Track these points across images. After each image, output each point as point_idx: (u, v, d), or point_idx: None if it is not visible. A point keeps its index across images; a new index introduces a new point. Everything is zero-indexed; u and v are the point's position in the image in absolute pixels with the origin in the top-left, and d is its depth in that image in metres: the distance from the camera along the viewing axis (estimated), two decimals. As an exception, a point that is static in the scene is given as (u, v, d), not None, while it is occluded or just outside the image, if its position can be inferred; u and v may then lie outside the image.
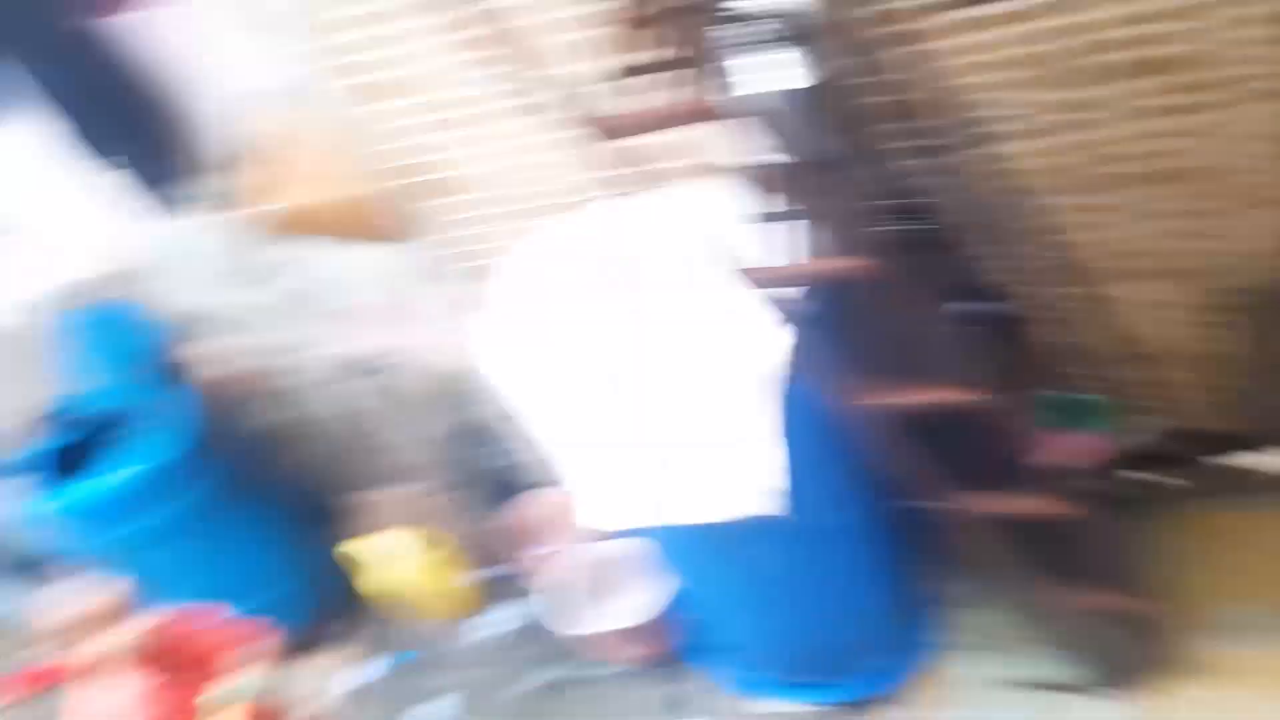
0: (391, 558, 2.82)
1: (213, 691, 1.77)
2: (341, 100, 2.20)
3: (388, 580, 2.85)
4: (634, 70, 1.57)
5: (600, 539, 2.65)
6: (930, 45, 1.89)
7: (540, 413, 1.94)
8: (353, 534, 2.93)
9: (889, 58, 1.83)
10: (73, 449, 2.68)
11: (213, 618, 1.91)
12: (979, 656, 2.34)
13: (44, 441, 2.72)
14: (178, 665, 1.80)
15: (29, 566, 2.95)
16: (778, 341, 1.73)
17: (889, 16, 1.84)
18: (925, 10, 1.86)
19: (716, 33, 1.57)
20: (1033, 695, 2.23)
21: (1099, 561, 2.00)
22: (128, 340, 2.70)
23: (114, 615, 1.75)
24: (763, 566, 2.07)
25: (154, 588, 2.60)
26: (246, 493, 2.87)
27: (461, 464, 2.93)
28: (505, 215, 2.38)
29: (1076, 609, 2.04)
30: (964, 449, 1.88)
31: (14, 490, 2.65)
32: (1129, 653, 2.13)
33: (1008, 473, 1.88)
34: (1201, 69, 1.84)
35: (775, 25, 1.62)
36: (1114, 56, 1.86)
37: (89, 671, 1.74)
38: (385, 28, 2.06)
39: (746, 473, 1.82)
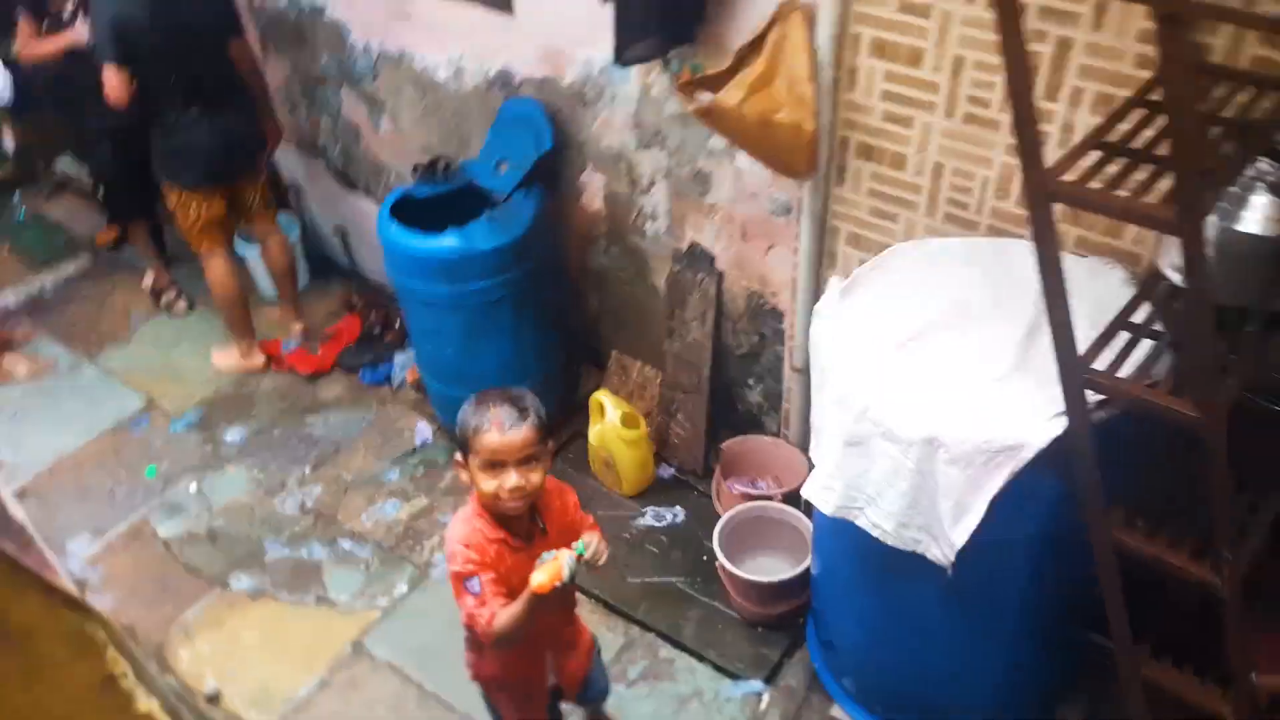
0: (604, 418, 3.15)
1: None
2: (843, 38, 2.35)
3: (597, 436, 3.19)
4: (1115, 146, 1.63)
5: (786, 504, 2.85)
6: None
7: (832, 383, 2.04)
8: (599, 386, 3.33)
9: None
10: (440, 200, 3.10)
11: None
12: None
13: (422, 186, 3.16)
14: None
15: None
16: (1051, 427, 1.76)
17: None
18: None
19: (1232, 154, 1.60)
20: None
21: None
22: (529, 137, 3.07)
23: None
24: (917, 606, 2.15)
25: (452, 346, 3.16)
26: (543, 303, 3.24)
27: (715, 379, 3.18)
28: (912, 205, 2.48)
29: None
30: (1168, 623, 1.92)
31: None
32: None
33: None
34: None
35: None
36: None
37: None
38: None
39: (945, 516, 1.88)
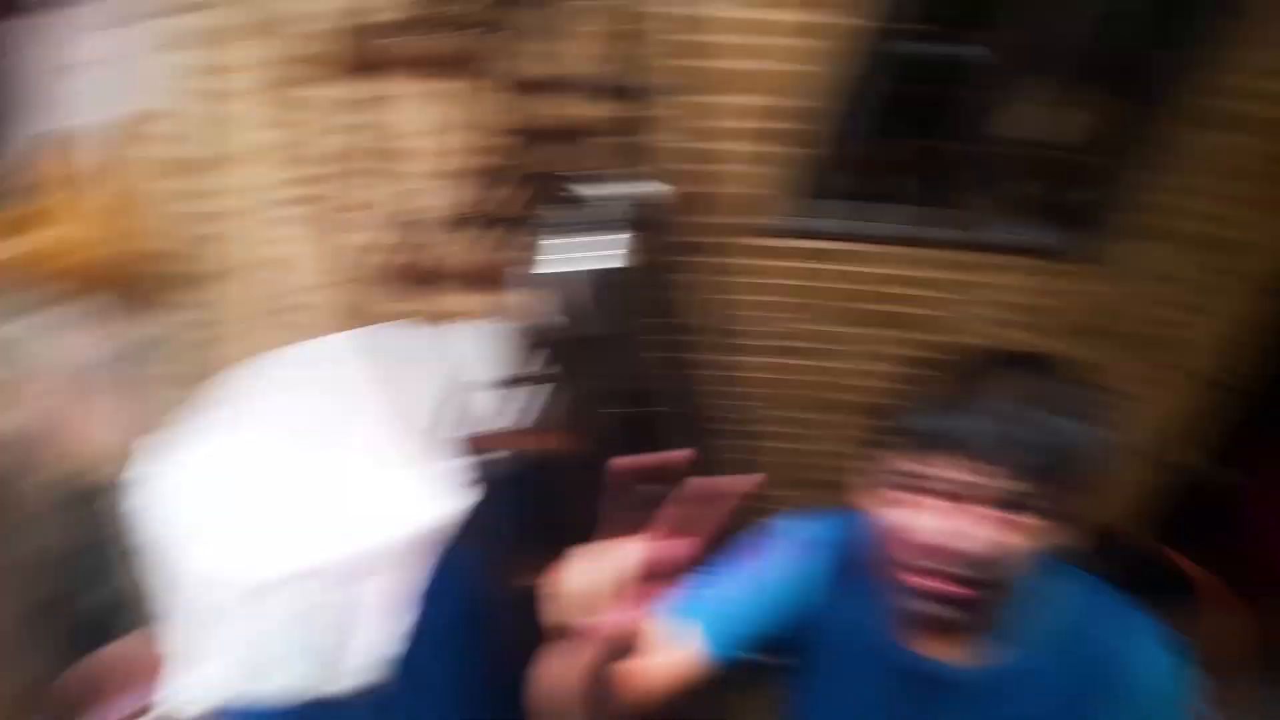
0: None
1: None
2: (143, 162, 2.02)
3: None
4: (455, 219, 1.64)
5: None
6: (722, 260, 2.08)
7: (185, 553, 1.69)
8: None
9: (680, 262, 1.98)
10: None
11: None
12: None
13: None
14: None
15: None
16: (451, 505, 1.68)
17: (694, 228, 2.01)
18: (726, 229, 2.05)
19: (544, 207, 1.67)
20: None
21: None
22: None
23: None
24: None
25: None
26: None
27: (55, 591, 2.47)
28: (238, 324, 2.24)
29: None
30: None
31: None
32: None
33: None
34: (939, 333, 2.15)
35: (593, 211, 1.73)
36: (868, 306, 2.16)
37: None
38: (218, 107, 1.95)
39: (365, 638, 1.68)
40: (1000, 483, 0.88)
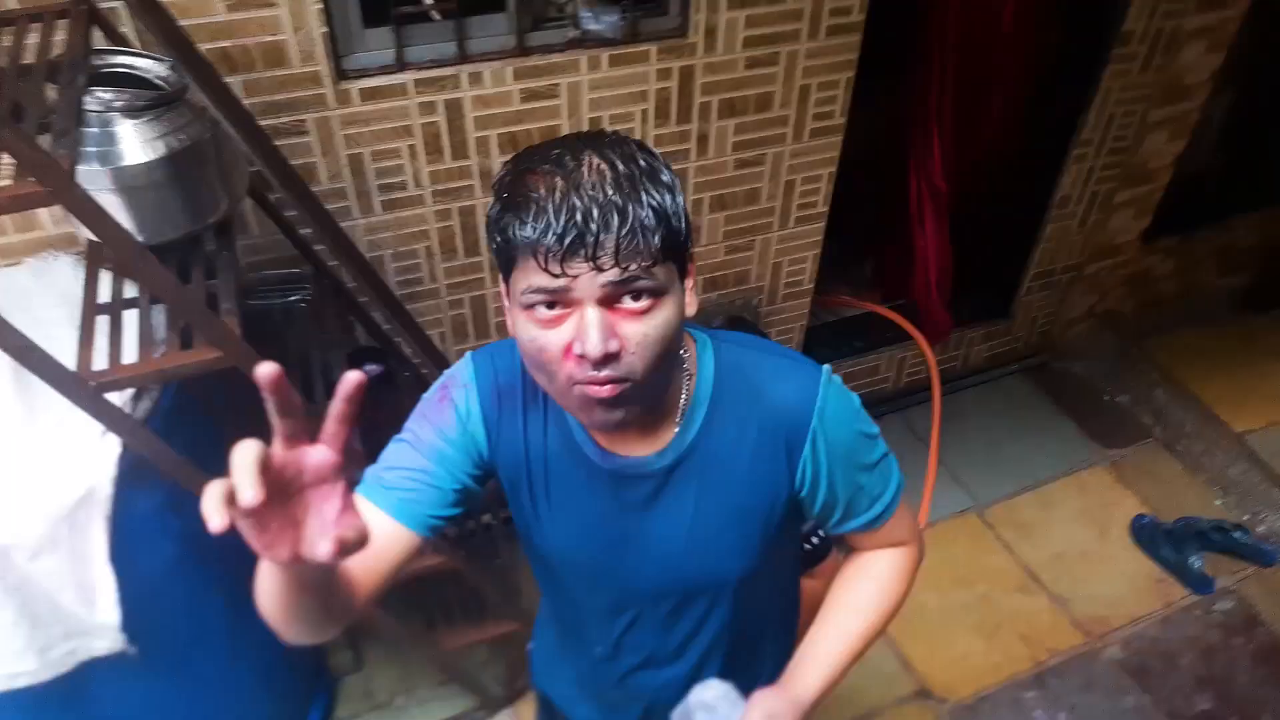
0: None
1: None
2: None
3: None
4: None
5: None
6: (320, 113, 1.95)
7: None
8: None
9: (274, 124, 1.84)
10: None
11: None
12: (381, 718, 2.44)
13: None
14: None
15: None
16: (107, 453, 1.54)
17: (275, 84, 1.86)
18: (312, 78, 1.90)
19: (61, 99, 1.43)
20: None
21: (473, 598, 2.26)
22: None
23: None
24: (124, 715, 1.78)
25: None
26: None
27: None
28: None
29: (457, 645, 2.28)
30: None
31: None
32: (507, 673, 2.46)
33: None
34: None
35: (130, 92, 1.55)
36: (488, 133, 2.10)
37: None
38: None
39: (75, 610, 1.53)
40: (604, 274, 0.85)
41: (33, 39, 1.55)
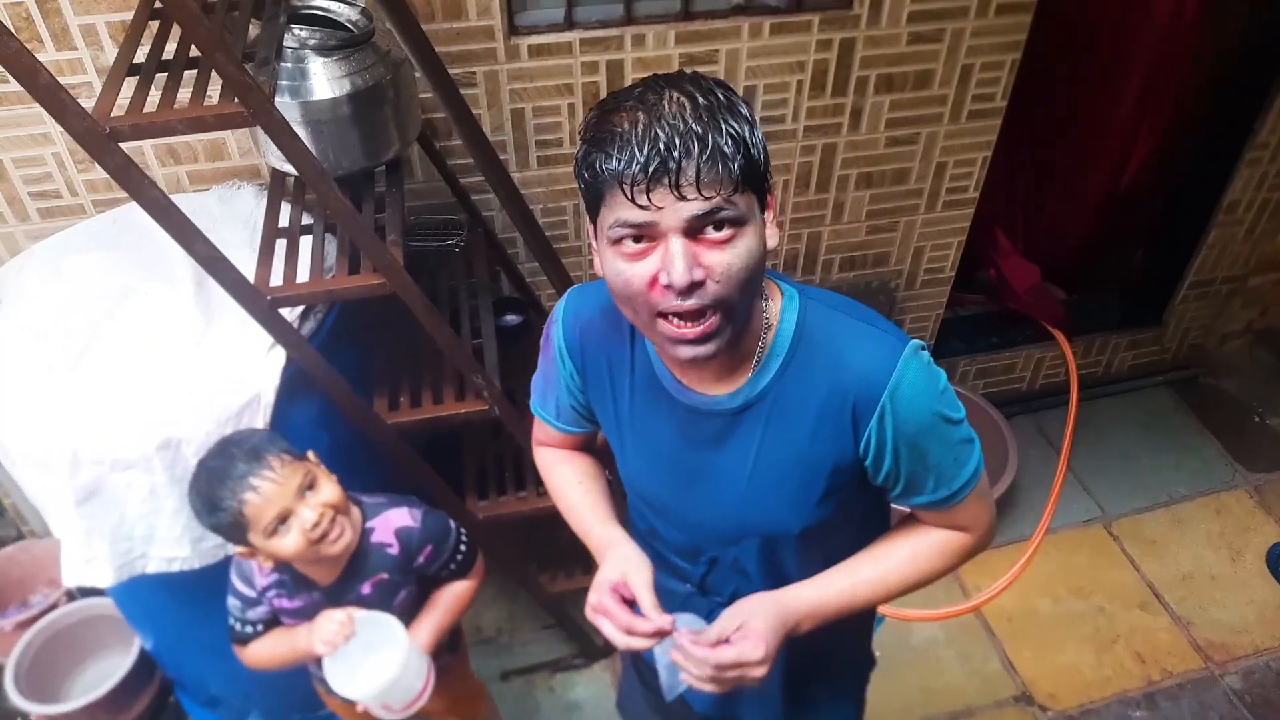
0: None
1: None
2: None
3: None
4: (151, 65, 1.47)
5: (78, 598, 2.38)
6: (490, 66, 2.02)
7: (19, 449, 1.64)
8: None
9: (449, 74, 1.88)
10: None
11: None
12: (486, 651, 2.53)
13: None
14: None
15: None
16: (274, 364, 1.66)
17: (451, 35, 1.95)
18: (486, 32, 1.97)
19: (263, 32, 1.55)
20: (530, 679, 2.49)
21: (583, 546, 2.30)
22: None
23: None
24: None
25: None
26: None
27: None
28: (4, 220, 2.06)
29: (559, 591, 2.34)
30: (481, 454, 2.16)
31: None
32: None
33: (518, 474, 2.13)
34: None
35: (323, 31, 1.64)
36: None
37: None
38: None
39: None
40: (687, 204, 0.88)
41: None
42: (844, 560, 1.18)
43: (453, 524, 1.71)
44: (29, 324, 1.74)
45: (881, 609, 2.53)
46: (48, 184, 1.98)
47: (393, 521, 1.63)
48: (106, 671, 2.26)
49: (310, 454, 1.55)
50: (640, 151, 0.86)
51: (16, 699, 2.18)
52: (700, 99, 0.88)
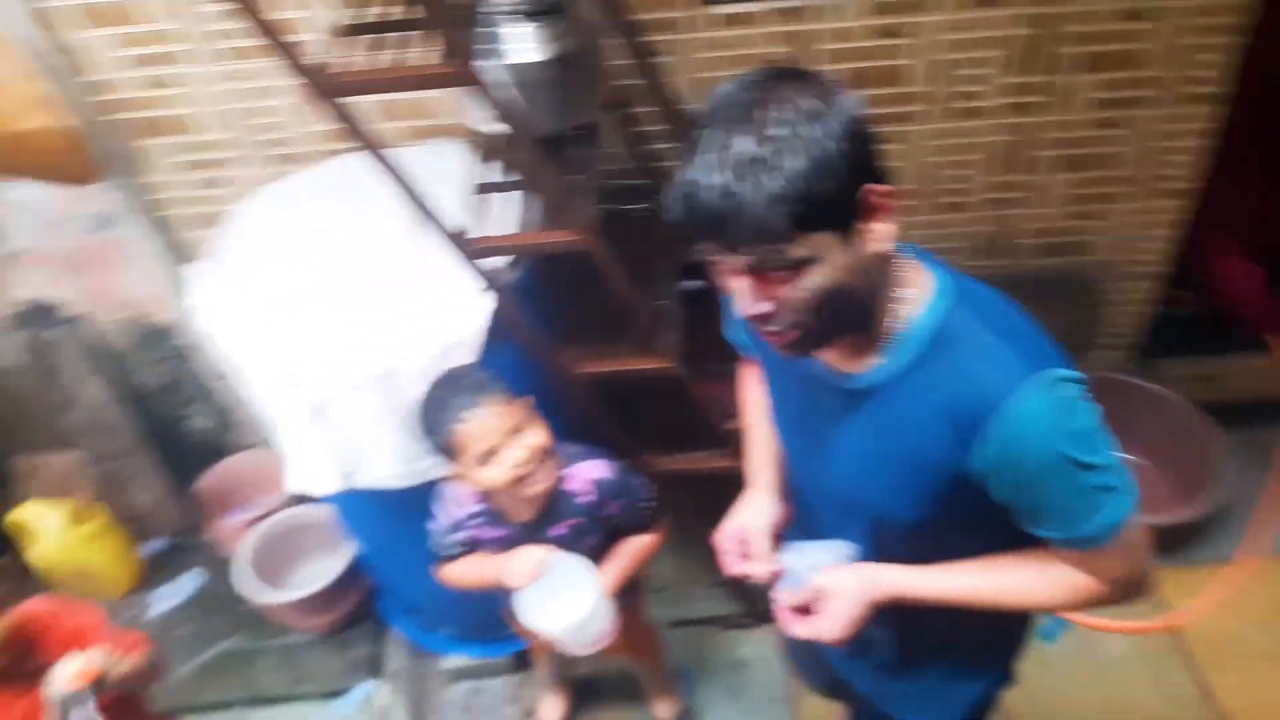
0: (43, 532, 2.64)
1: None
2: (43, 20, 2.01)
3: (49, 554, 2.66)
4: (366, 26, 1.60)
5: (297, 504, 2.65)
6: (680, 35, 2.06)
7: (255, 370, 1.89)
8: (18, 501, 2.70)
9: (641, 41, 1.96)
10: None
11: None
12: (658, 599, 2.58)
13: None
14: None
15: None
16: (481, 308, 1.80)
17: (644, 3, 1.99)
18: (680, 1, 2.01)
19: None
20: (700, 631, 2.57)
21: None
22: None
23: None
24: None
25: None
26: None
27: (147, 425, 2.78)
28: (231, 162, 2.28)
29: None
30: (661, 412, 2.19)
31: None
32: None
33: (695, 433, 2.14)
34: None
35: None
36: (838, 67, 2.13)
37: None
38: None
39: None
40: (738, 255, 0.92)
41: None
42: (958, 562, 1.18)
43: (642, 479, 1.82)
44: (264, 257, 1.99)
45: (1069, 616, 2.44)
46: (272, 133, 2.22)
47: (588, 471, 1.76)
48: (319, 572, 2.55)
49: (528, 398, 1.68)
50: (682, 210, 0.90)
51: (246, 585, 2.51)
52: (768, 132, 0.86)
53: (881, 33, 2.09)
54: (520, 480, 1.61)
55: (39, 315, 2.53)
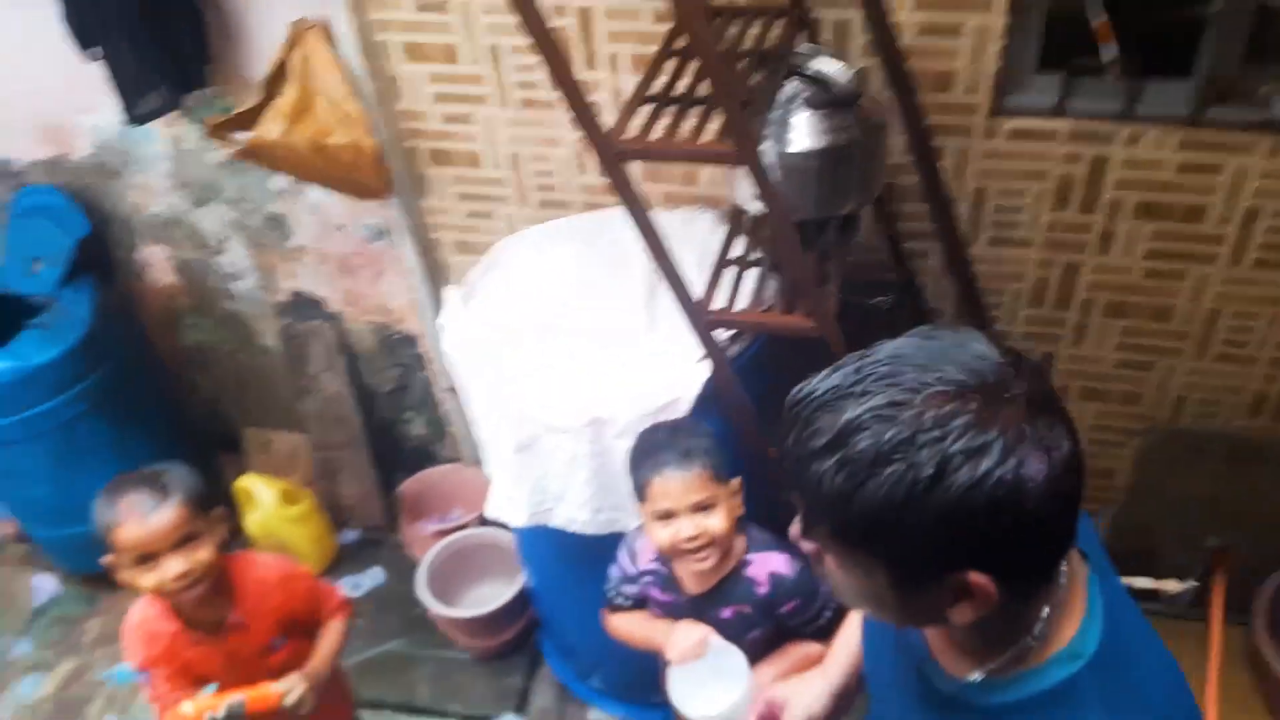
0: (259, 503, 2.84)
1: None
2: (371, 48, 2.20)
3: (257, 524, 2.86)
4: (657, 97, 1.66)
5: (485, 525, 2.70)
6: (962, 141, 2.03)
7: (480, 394, 1.97)
8: (242, 471, 2.95)
9: (922, 141, 1.94)
10: None
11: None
12: None
13: None
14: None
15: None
16: (698, 376, 1.81)
17: (931, 107, 1.96)
18: (967, 108, 1.99)
19: (762, 83, 1.69)
20: None
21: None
22: (55, 227, 2.64)
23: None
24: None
25: (42, 483, 2.61)
26: (140, 403, 2.79)
27: (369, 423, 2.94)
28: (504, 199, 2.41)
29: None
30: None
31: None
32: None
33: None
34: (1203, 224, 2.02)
35: (813, 88, 1.74)
36: (1128, 195, 2.02)
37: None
38: None
39: (625, 489, 1.81)
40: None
41: (753, 30, 1.86)
42: None
43: (827, 587, 1.74)
44: (513, 290, 2.10)
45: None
46: (548, 179, 2.33)
47: (770, 563, 1.70)
48: (490, 595, 2.62)
49: (734, 482, 1.65)
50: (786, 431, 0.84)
51: (423, 593, 2.60)
52: (850, 451, 0.74)
53: (1187, 168, 1.95)
54: (683, 552, 1.59)
55: (302, 306, 2.77)
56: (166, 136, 2.48)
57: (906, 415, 0.72)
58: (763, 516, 1.75)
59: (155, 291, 2.87)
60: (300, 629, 1.83)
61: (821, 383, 0.79)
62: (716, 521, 1.59)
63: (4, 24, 2.36)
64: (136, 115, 2.20)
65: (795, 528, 0.86)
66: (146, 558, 1.59)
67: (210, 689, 1.66)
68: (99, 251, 2.71)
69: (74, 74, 2.26)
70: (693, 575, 1.68)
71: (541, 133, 2.24)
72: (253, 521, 2.83)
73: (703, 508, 1.58)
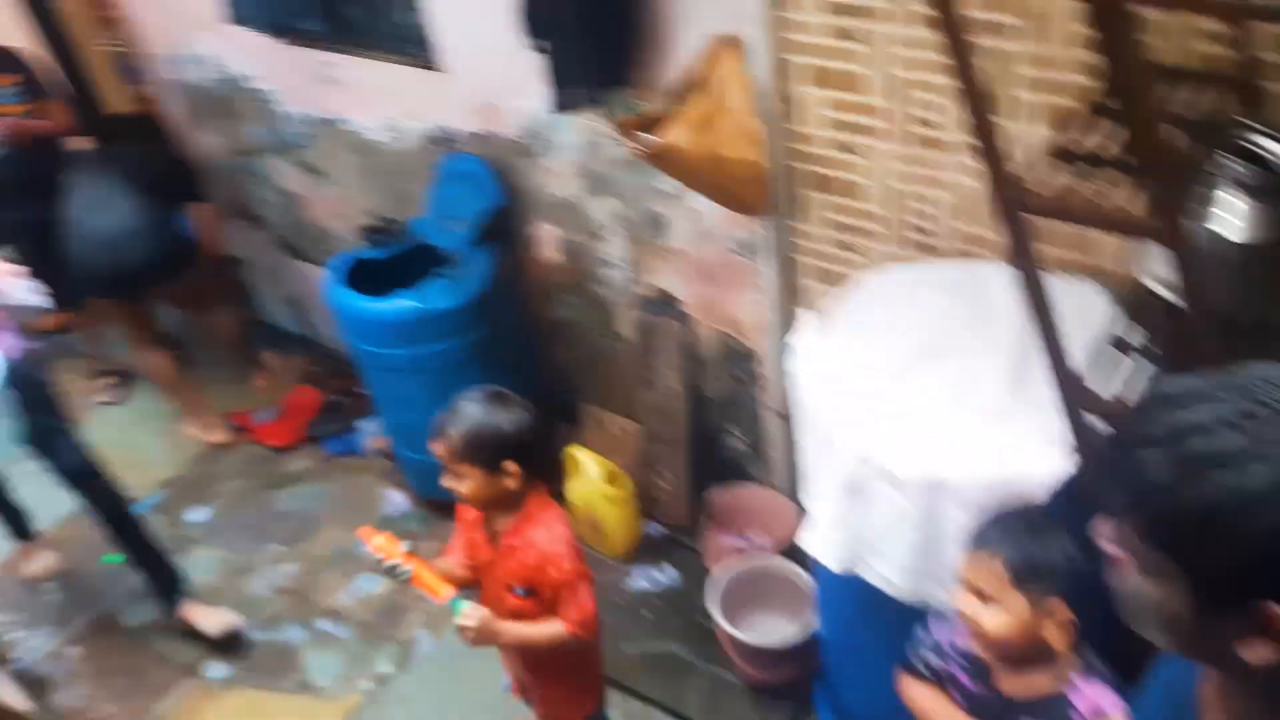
0: (583, 475, 2.99)
1: None
2: (780, 68, 2.23)
3: (578, 493, 3.02)
4: (1075, 154, 1.53)
5: (787, 555, 2.67)
6: None
7: (818, 425, 1.92)
8: (575, 441, 3.14)
9: None
10: (391, 263, 3.08)
11: None
12: None
13: (371, 249, 3.19)
14: None
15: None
16: (1060, 465, 1.65)
17: None
18: None
19: (1195, 155, 1.51)
20: None
21: None
22: (473, 193, 2.99)
23: None
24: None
25: (417, 411, 2.81)
26: (508, 360, 3.06)
27: (695, 427, 3.02)
28: (874, 235, 2.36)
29: None
30: None
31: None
32: None
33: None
34: None
35: (1251, 169, 1.51)
36: None
37: None
38: (859, 22, 2.07)
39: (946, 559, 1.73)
40: None
41: (1183, 92, 1.65)
42: None
43: None
44: (871, 326, 2.04)
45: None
46: (925, 220, 2.24)
47: (1100, 698, 1.53)
48: (775, 628, 2.60)
49: (1050, 602, 1.51)
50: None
51: (713, 607, 2.63)
52: None
53: None
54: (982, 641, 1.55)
55: (661, 303, 2.92)
56: (581, 128, 2.72)
57: (1251, 426, 0.71)
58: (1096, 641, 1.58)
59: (540, 265, 3.16)
60: (545, 599, 1.93)
61: (1179, 382, 0.79)
62: (990, 617, 1.51)
63: (466, 13, 2.73)
64: (563, 105, 2.43)
65: (1104, 524, 0.85)
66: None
67: (462, 604, 1.84)
68: (503, 220, 3.05)
69: (514, 62, 2.54)
70: (1010, 680, 1.58)
71: (927, 172, 2.16)
72: (574, 489, 3.03)
73: (982, 595, 1.52)
